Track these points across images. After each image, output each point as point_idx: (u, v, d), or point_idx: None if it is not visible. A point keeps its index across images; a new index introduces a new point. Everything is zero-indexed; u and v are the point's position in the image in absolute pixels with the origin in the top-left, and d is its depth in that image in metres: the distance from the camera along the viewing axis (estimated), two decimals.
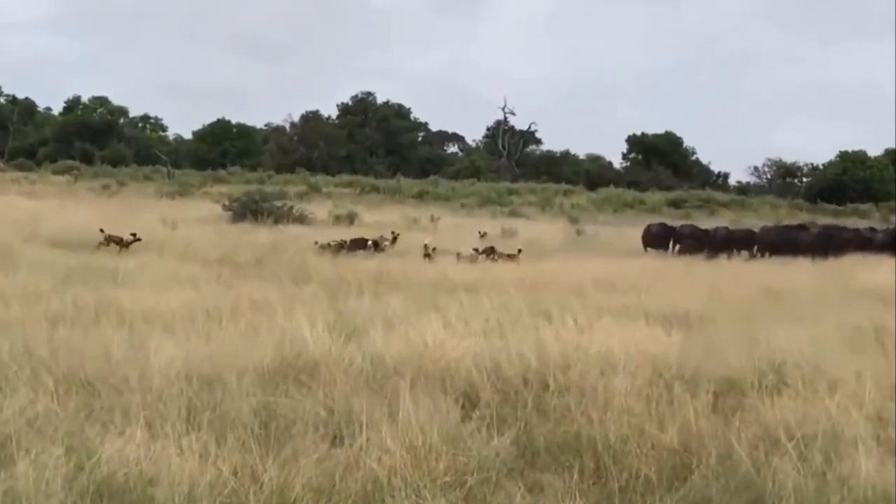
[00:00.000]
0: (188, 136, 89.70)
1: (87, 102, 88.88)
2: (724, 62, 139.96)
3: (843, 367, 7.65)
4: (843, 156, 73.81)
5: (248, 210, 31.97)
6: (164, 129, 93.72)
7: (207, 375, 6.99)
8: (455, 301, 11.33)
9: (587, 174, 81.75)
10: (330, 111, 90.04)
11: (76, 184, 55.26)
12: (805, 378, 7.38)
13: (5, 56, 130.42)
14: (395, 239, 22.72)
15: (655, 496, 5.40)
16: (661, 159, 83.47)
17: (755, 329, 9.53)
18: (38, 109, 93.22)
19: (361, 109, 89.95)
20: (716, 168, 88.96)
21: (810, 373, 7.54)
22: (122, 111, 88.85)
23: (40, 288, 11.70)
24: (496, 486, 5.39)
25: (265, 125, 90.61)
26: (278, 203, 34.02)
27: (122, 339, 8.04)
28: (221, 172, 68.03)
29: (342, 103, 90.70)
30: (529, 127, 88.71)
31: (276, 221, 30.34)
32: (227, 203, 34.07)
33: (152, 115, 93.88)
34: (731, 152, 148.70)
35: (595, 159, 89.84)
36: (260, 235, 21.31)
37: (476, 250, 20.67)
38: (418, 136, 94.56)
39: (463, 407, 6.55)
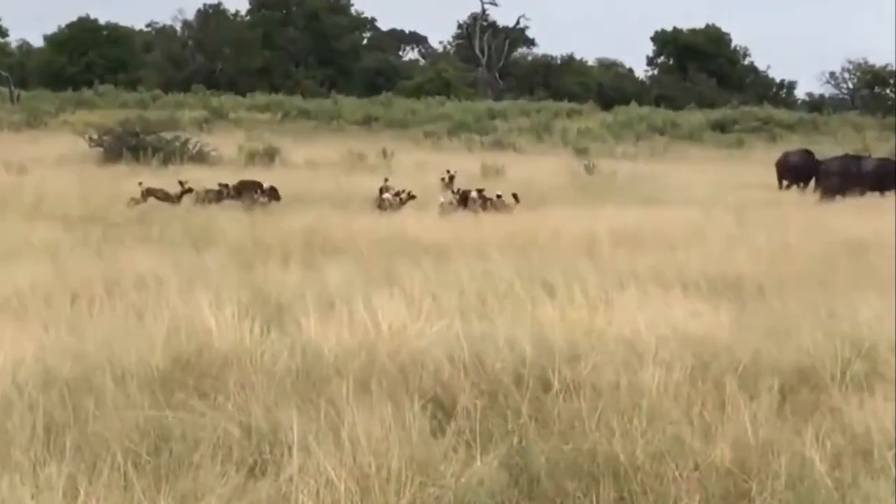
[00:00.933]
0: (38, 42, 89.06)
1: None
2: None
3: None
4: None
5: (124, 146, 31.81)
6: (3, 32, 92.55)
7: (73, 381, 6.96)
8: (419, 270, 11.31)
9: (599, 88, 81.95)
10: (238, 4, 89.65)
11: None
12: None
13: None
14: (409, 196, 20.56)
15: None
16: (700, 64, 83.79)
17: (835, 300, 9.58)
18: None
19: (283, 1, 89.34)
20: (777, 76, 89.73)
21: None
22: None
23: None
24: None
25: (147, 25, 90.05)
26: (167, 136, 33.91)
27: None
28: (87, 93, 67.65)
29: None
30: (518, 22, 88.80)
31: (166, 162, 30.21)
32: (95, 136, 33.89)
33: None
34: (798, 53, 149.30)
35: (609, 66, 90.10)
36: (142, 182, 21.05)
37: (455, 193, 20.66)
38: (363, 39, 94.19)
39: (433, 417, 6.56)
